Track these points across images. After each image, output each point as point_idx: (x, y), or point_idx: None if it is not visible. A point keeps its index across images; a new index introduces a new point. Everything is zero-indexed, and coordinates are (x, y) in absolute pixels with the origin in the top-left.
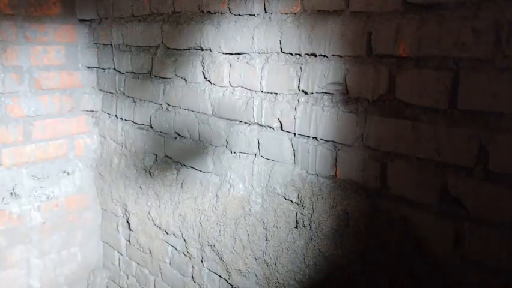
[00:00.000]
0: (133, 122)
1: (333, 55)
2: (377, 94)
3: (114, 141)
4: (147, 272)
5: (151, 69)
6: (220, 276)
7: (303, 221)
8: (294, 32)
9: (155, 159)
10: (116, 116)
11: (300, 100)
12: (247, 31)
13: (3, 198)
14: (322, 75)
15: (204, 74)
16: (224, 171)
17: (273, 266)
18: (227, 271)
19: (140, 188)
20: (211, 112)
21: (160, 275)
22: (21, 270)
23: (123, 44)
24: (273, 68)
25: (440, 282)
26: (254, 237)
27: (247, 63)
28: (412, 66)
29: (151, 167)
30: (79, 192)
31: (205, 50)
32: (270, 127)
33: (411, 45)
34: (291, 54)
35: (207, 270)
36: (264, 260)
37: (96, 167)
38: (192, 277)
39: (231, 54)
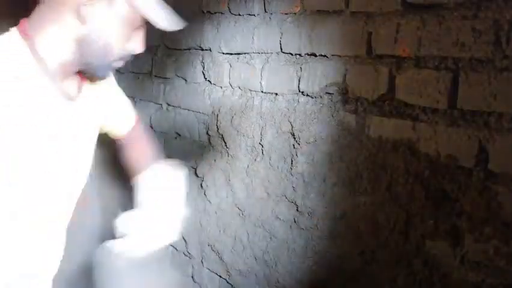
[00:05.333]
0: None
1: (333, 55)
2: (377, 94)
3: None
4: None
5: (151, 69)
6: (220, 276)
7: (303, 221)
8: (294, 32)
9: None
10: None
11: (300, 100)
12: (247, 31)
13: None
14: (322, 75)
15: (204, 74)
16: (224, 172)
17: (273, 266)
18: (227, 271)
19: None
20: (211, 112)
21: None
22: None
23: None
24: (273, 68)
25: (440, 282)
26: (254, 237)
27: (247, 63)
28: (412, 66)
29: None
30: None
31: (205, 50)
32: (270, 128)
33: (411, 45)
34: (291, 54)
35: (207, 270)
36: (264, 260)
37: (96, 167)
38: (192, 277)
39: (231, 54)
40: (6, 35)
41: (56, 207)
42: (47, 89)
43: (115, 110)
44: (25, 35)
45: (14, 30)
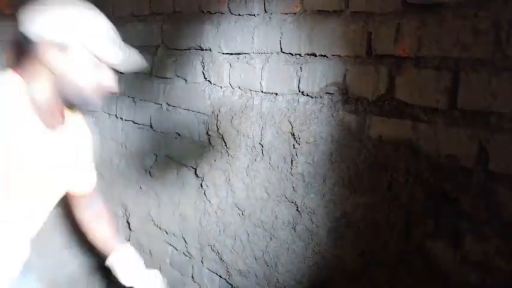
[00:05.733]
0: (133, 122)
1: (333, 55)
2: (377, 94)
3: (114, 141)
4: None
5: (151, 69)
6: (220, 276)
7: (303, 221)
8: (294, 32)
9: (155, 159)
10: (116, 116)
11: (300, 100)
12: (247, 31)
13: None
14: (322, 75)
15: (204, 74)
16: (224, 172)
17: (273, 266)
18: (227, 271)
19: (140, 188)
20: (211, 112)
21: None
22: None
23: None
24: (273, 68)
25: (440, 283)
26: (254, 237)
27: (247, 63)
28: (412, 66)
29: (151, 167)
30: None
31: (205, 50)
32: (270, 128)
33: (411, 45)
34: (291, 54)
35: (207, 270)
36: (264, 260)
37: (96, 166)
38: (192, 277)
39: (231, 54)
40: (9, 76)
41: (32, 217)
42: (34, 121)
43: (82, 161)
44: (23, 81)
45: (14, 75)
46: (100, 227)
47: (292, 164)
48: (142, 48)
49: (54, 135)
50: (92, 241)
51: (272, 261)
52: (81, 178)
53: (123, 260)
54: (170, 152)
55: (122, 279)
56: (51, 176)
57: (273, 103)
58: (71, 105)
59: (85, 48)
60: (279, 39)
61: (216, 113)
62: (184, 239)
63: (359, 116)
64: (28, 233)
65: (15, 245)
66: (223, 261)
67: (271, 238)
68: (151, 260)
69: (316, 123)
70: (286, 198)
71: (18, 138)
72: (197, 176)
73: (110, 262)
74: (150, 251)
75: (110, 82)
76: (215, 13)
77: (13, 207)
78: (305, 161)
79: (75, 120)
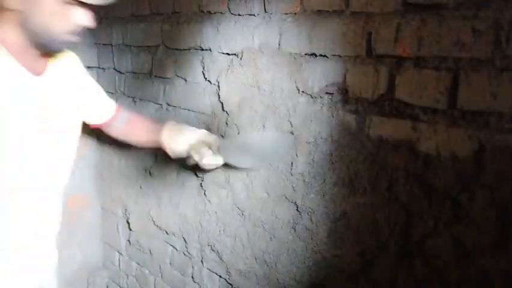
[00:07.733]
0: None
1: (333, 55)
2: (377, 94)
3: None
4: (147, 272)
5: (151, 69)
6: (220, 276)
7: (303, 221)
8: (294, 32)
9: (155, 159)
10: None
11: (300, 100)
12: (247, 31)
13: None
14: (322, 75)
15: (203, 74)
16: (224, 172)
17: (273, 266)
18: (227, 271)
19: (140, 188)
20: (211, 112)
21: (160, 275)
22: None
23: (123, 44)
24: (273, 68)
25: (440, 283)
26: (254, 237)
27: (247, 63)
28: (412, 66)
29: (151, 167)
30: (79, 192)
31: (205, 50)
32: (270, 128)
33: (411, 45)
34: (291, 54)
35: (206, 270)
36: (264, 260)
37: (96, 166)
38: (192, 277)
39: (231, 54)
40: None
41: (44, 173)
42: (15, 67)
43: (90, 94)
44: None
45: None
46: (138, 127)
47: (292, 164)
48: (142, 48)
49: (43, 80)
50: (140, 143)
51: (272, 261)
52: (95, 110)
53: (173, 131)
54: None
55: (178, 149)
56: (51, 122)
57: (273, 103)
58: (43, 47)
59: None
60: (279, 39)
61: (216, 113)
62: (184, 239)
63: (359, 116)
64: (56, 199)
65: (43, 220)
66: (223, 261)
67: (271, 238)
68: (151, 260)
69: (316, 123)
70: (286, 198)
71: (2, 86)
72: (197, 176)
73: (163, 141)
74: (150, 251)
75: (81, 17)
76: (215, 13)
77: (26, 165)
78: (305, 161)
79: (64, 60)
